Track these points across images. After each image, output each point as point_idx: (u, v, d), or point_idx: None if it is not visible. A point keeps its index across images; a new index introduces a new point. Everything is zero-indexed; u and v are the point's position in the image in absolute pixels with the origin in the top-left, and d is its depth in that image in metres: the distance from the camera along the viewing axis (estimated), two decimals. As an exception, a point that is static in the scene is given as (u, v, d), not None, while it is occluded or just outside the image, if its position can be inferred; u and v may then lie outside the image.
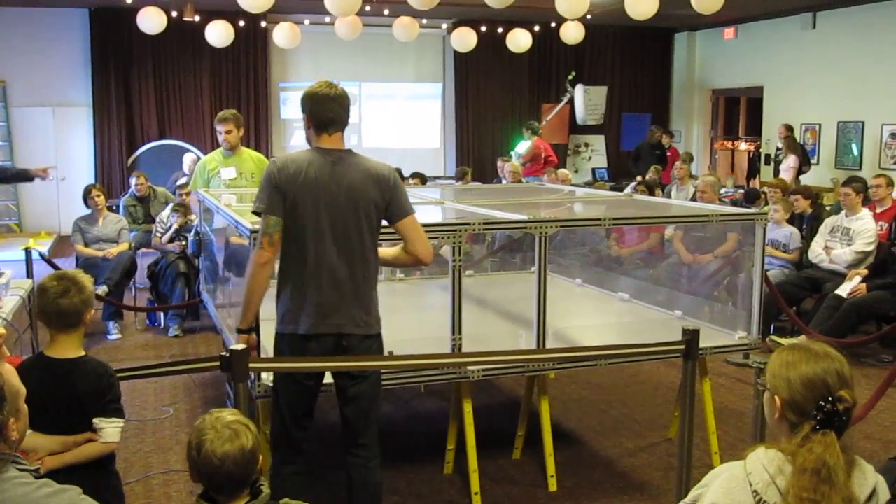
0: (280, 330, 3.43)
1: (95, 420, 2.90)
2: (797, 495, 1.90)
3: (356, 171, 3.37)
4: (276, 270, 3.53)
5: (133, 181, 9.55)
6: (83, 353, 2.97)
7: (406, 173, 10.39)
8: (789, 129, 12.24)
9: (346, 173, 3.35)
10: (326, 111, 3.39)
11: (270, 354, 3.57)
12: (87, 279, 3.02)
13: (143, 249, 8.92)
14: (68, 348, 2.94)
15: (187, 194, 7.76)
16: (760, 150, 14.11)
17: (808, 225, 7.94)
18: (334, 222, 3.32)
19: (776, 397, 2.04)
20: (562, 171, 11.37)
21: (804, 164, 11.92)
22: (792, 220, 7.92)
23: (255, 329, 3.52)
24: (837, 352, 2.06)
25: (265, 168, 3.44)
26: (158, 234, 7.92)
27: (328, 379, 3.56)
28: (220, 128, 6.29)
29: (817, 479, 1.90)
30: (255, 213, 3.39)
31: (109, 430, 2.92)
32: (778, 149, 12.55)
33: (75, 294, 2.91)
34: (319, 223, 3.31)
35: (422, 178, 10.17)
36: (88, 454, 2.90)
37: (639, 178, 11.43)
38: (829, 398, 1.97)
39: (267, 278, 3.44)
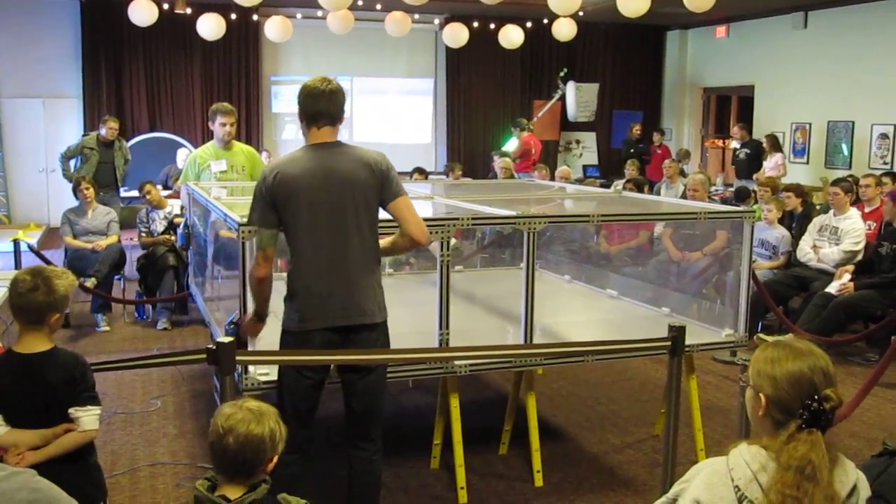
0: (286, 326, 3.43)
1: (71, 410, 2.89)
2: (780, 492, 1.91)
3: (348, 160, 3.39)
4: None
5: (104, 125, 9.68)
6: (52, 346, 2.95)
7: (398, 168, 10.37)
8: (745, 129, 12.43)
9: (338, 163, 3.37)
10: (315, 105, 3.41)
11: (261, 348, 3.57)
12: (64, 282, 2.96)
13: (132, 239, 8.81)
14: (36, 343, 2.92)
15: (148, 192, 7.95)
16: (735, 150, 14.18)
17: (798, 223, 7.96)
18: (331, 213, 3.34)
19: (761, 395, 2.04)
20: (563, 168, 11.35)
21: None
22: (783, 218, 7.95)
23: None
24: (820, 348, 2.07)
25: (257, 180, 3.45)
26: (144, 233, 7.91)
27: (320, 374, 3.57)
28: (222, 119, 6.24)
29: (801, 476, 1.91)
30: (247, 224, 3.42)
31: (86, 418, 2.90)
32: (736, 149, 12.64)
33: (42, 293, 2.88)
34: (316, 217, 3.33)
35: (423, 174, 10.19)
36: (68, 445, 2.89)
37: (627, 173, 11.45)
38: (816, 397, 1.97)
39: (269, 287, 3.48)
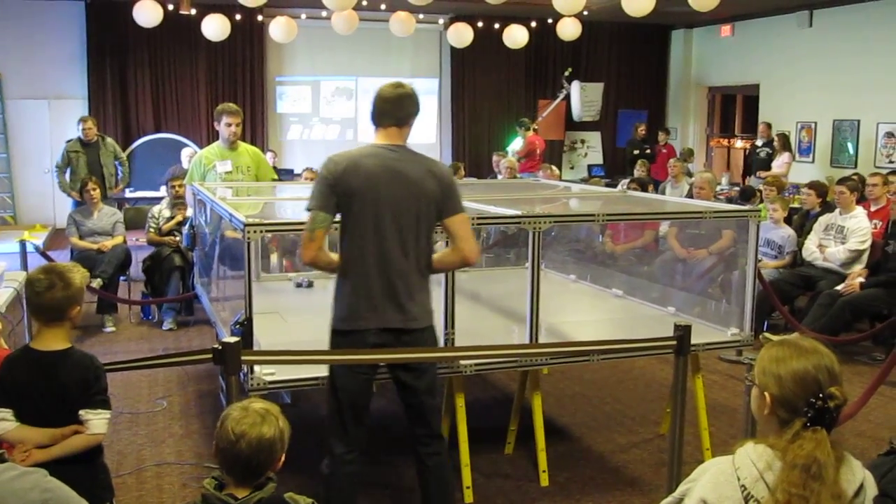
0: (341, 326, 3.41)
1: (82, 412, 2.89)
2: (786, 491, 1.90)
3: (415, 165, 3.40)
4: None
5: (80, 125, 9.70)
6: (69, 346, 2.96)
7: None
8: (770, 127, 12.34)
9: (405, 167, 3.37)
10: (381, 105, 3.44)
11: (266, 348, 3.57)
12: (78, 274, 2.99)
13: (137, 240, 8.82)
14: (54, 341, 2.93)
15: (180, 187, 7.76)
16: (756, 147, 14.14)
17: (810, 222, 7.86)
18: (396, 215, 3.33)
19: (766, 393, 2.04)
20: (551, 167, 11.33)
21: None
22: (799, 216, 7.89)
23: (250, 322, 3.51)
24: (826, 347, 2.07)
25: (320, 167, 3.43)
26: (152, 229, 7.91)
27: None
28: (228, 119, 6.24)
29: (807, 475, 1.90)
30: (307, 210, 3.39)
31: (96, 421, 2.91)
32: (756, 147, 12.60)
33: (60, 289, 2.89)
34: (380, 217, 3.32)
35: None
36: (75, 446, 2.89)
37: (637, 173, 11.45)
38: (820, 395, 1.97)
39: (325, 259, 3.44)
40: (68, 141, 9.92)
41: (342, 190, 3.31)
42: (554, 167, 11.32)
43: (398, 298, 3.36)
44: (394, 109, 3.43)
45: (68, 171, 9.70)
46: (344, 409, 3.42)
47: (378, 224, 3.32)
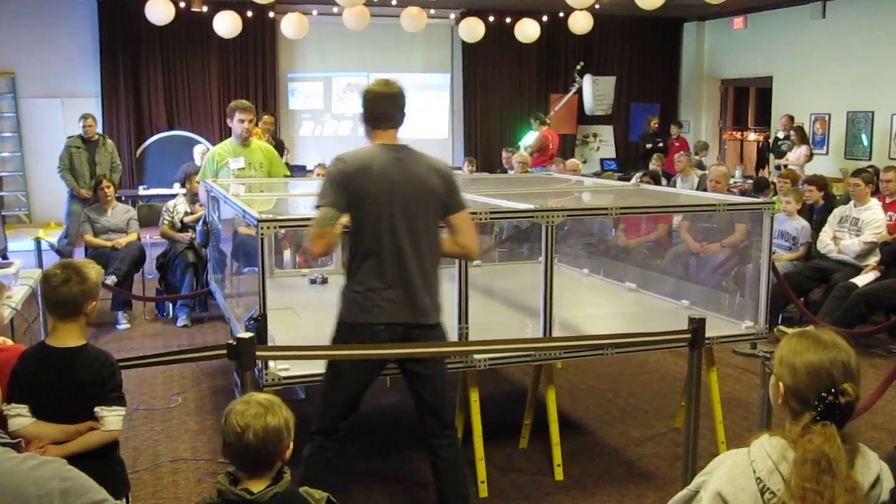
0: (349, 319, 3.43)
1: (97, 409, 2.90)
2: (799, 485, 1.90)
3: (419, 164, 3.46)
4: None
5: (81, 122, 9.73)
6: (84, 342, 2.97)
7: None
8: (793, 119, 12.27)
9: (412, 166, 3.43)
10: (379, 108, 3.47)
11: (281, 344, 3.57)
12: (93, 269, 3.01)
13: (151, 237, 8.85)
14: (69, 337, 2.94)
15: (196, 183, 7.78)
16: (769, 140, 14.08)
17: (818, 216, 7.89)
18: (406, 213, 3.38)
19: (780, 383, 2.04)
20: (571, 160, 11.34)
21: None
22: (802, 210, 7.89)
23: (264, 318, 3.52)
24: (846, 342, 2.05)
25: (329, 165, 3.46)
26: (166, 222, 7.93)
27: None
28: (241, 116, 6.26)
29: (818, 469, 1.90)
30: (316, 206, 3.41)
31: (111, 418, 2.92)
32: (778, 139, 12.55)
33: (76, 284, 2.91)
34: (392, 214, 3.36)
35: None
36: (90, 443, 2.90)
37: (652, 167, 11.42)
38: (832, 390, 1.96)
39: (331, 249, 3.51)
40: (70, 137, 9.97)
41: (354, 191, 3.34)
42: (575, 160, 11.30)
43: (410, 295, 3.40)
44: (391, 110, 3.48)
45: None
46: (338, 401, 3.45)
47: (392, 223, 3.36)
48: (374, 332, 3.38)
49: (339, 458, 3.53)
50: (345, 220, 3.40)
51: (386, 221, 3.35)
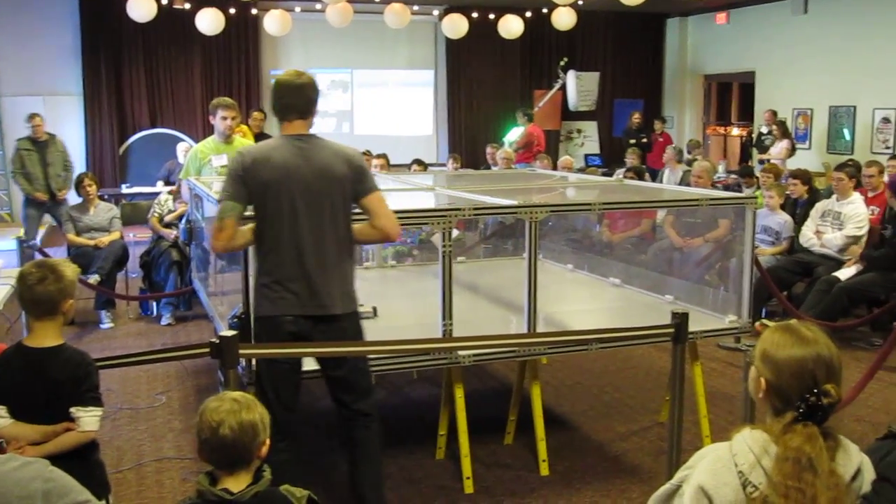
0: (259, 312, 3.47)
1: (72, 409, 2.88)
2: (782, 482, 1.91)
3: (324, 151, 3.45)
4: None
5: (29, 123, 9.45)
6: (61, 342, 2.96)
7: (399, 160, 10.39)
8: (776, 114, 12.32)
9: (315, 154, 3.42)
10: (283, 98, 3.48)
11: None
12: (69, 268, 3.00)
13: (134, 235, 8.80)
14: (46, 337, 2.93)
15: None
16: (752, 135, 14.13)
17: (802, 210, 7.92)
18: (310, 202, 3.38)
19: (762, 378, 2.04)
20: (564, 158, 11.32)
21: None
22: (785, 205, 7.93)
23: (247, 316, 3.52)
24: (827, 337, 2.05)
25: (229, 161, 3.48)
26: (156, 215, 7.89)
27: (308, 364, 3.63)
28: (224, 113, 6.25)
29: (799, 467, 1.91)
30: (216, 202, 3.44)
31: (87, 419, 2.89)
32: (761, 134, 12.59)
33: (52, 282, 2.90)
34: (294, 205, 3.36)
35: (423, 165, 10.18)
36: (67, 444, 2.88)
37: (628, 161, 11.44)
38: (815, 391, 1.96)
39: (242, 245, 3.51)
40: (19, 140, 9.69)
41: (254, 182, 3.35)
42: (569, 157, 11.29)
43: (314, 285, 3.40)
44: (297, 101, 3.48)
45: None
46: (271, 400, 3.42)
47: (293, 213, 3.37)
48: (281, 324, 3.40)
49: (297, 462, 3.53)
50: (248, 213, 3.41)
51: (288, 212, 3.36)
